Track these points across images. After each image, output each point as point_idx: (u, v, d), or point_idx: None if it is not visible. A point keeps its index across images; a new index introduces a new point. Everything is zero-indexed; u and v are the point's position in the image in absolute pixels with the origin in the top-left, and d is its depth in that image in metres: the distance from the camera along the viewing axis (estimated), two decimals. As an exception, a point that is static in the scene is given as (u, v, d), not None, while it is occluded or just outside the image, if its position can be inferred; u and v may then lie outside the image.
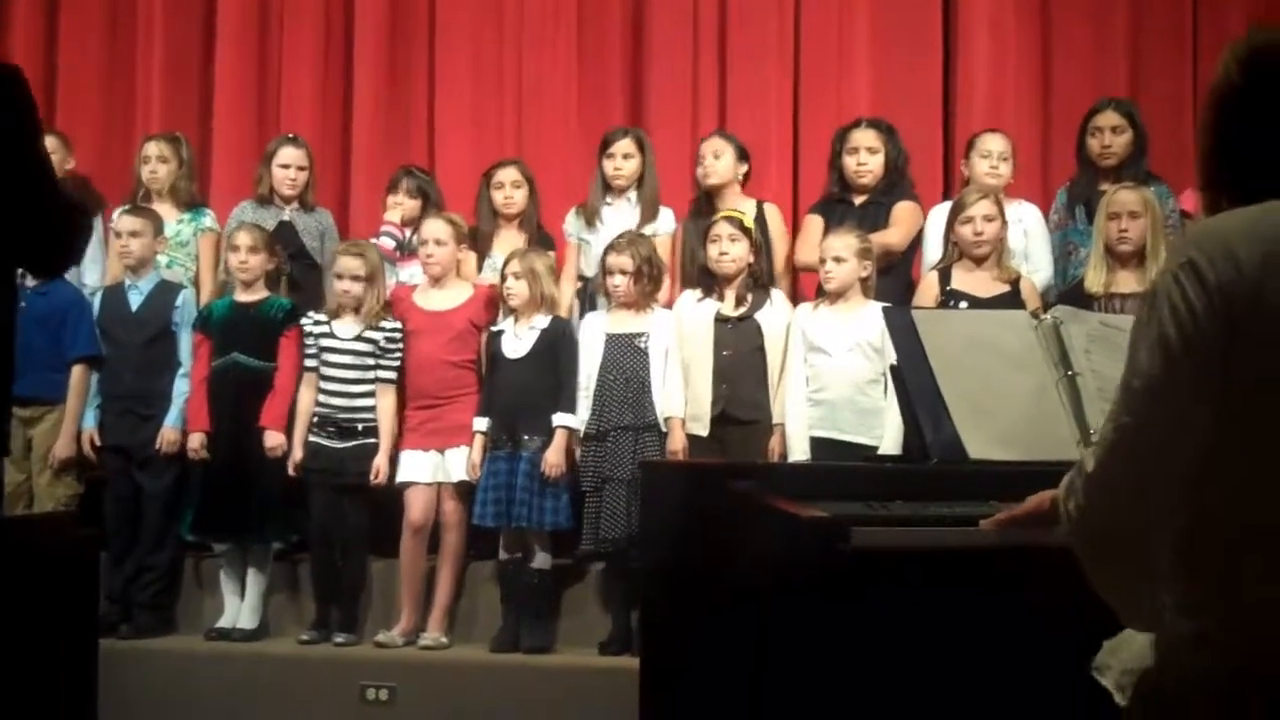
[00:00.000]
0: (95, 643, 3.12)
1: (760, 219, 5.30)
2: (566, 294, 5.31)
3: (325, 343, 5.12)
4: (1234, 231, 1.70)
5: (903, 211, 5.33)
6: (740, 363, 4.94)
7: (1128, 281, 4.77)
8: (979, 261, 4.96)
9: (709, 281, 5.04)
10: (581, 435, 4.94)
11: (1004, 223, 4.99)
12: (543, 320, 4.98)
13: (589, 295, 5.39)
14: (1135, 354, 1.72)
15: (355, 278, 5.10)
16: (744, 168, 5.44)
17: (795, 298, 5.29)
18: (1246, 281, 1.65)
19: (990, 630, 2.62)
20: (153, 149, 5.62)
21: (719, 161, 5.36)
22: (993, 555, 2.52)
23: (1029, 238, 5.23)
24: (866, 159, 5.34)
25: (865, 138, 5.37)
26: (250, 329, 5.19)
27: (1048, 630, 2.58)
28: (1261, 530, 1.68)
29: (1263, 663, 1.66)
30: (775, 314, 4.98)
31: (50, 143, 5.38)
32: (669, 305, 5.14)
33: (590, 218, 5.42)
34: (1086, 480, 1.78)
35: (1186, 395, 1.68)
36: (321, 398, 5.09)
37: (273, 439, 5.04)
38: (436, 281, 5.17)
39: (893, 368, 3.04)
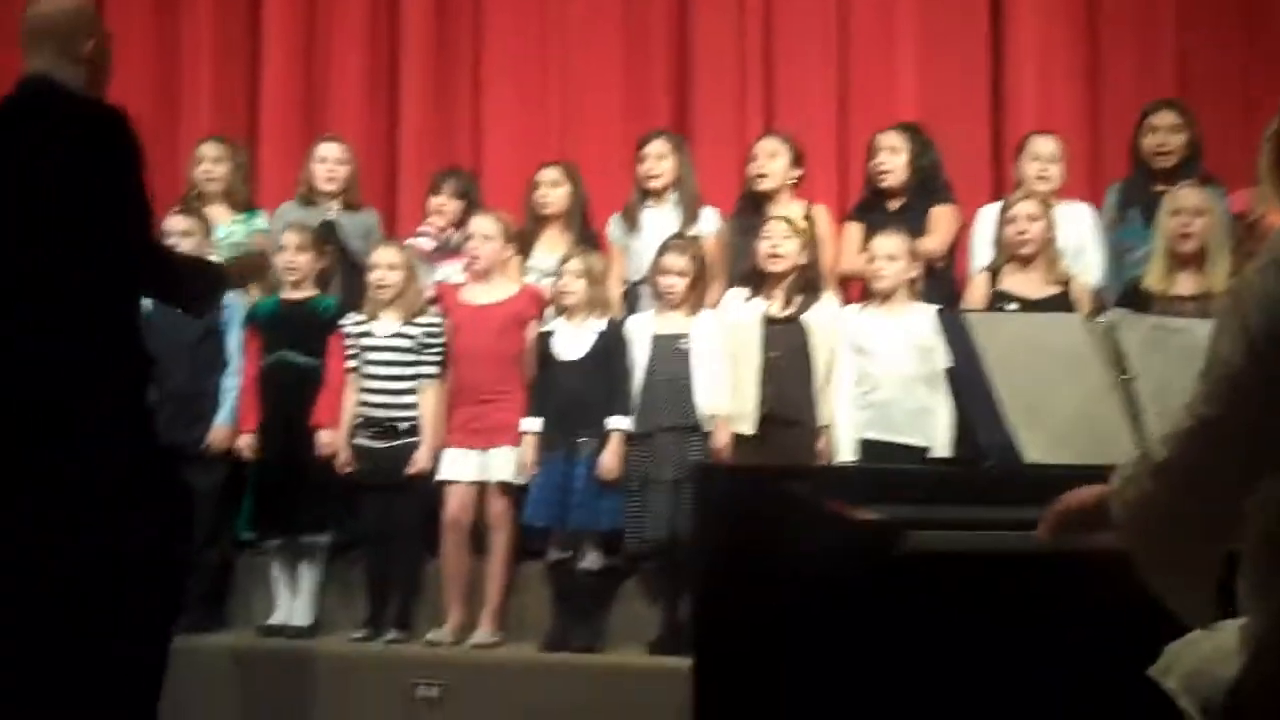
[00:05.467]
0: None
1: (809, 221, 5.30)
2: (615, 297, 5.32)
3: (364, 342, 5.13)
4: None
5: (939, 215, 5.32)
6: (787, 363, 4.93)
7: (1188, 283, 4.69)
8: (1025, 262, 4.95)
9: (757, 281, 5.04)
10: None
11: (1051, 223, 4.98)
12: (599, 323, 4.99)
13: (630, 300, 5.39)
14: (1217, 346, 1.72)
15: (391, 267, 5.11)
16: (798, 172, 5.43)
17: (842, 303, 5.28)
18: None
19: (1047, 635, 2.62)
20: (208, 150, 5.68)
21: (772, 162, 5.36)
22: (1050, 559, 2.53)
23: (1080, 239, 5.21)
24: (885, 159, 5.33)
25: (886, 139, 5.37)
26: (298, 327, 5.21)
27: (1108, 634, 2.58)
28: None
29: None
30: (823, 315, 4.98)
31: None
32: (714, 305, 5.15)
33: (631, 222, 5.43)
34: (1157, 468, 1.77)
35: (1269, 387, 1.67)
36: (364, 397, 5.11)
37: (325, 437, 5.07)
38: (482, 277, 5.19)
39: (948, 371, 3.04)
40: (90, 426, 2.95)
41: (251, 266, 3.56)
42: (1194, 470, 1.74)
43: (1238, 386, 1.68)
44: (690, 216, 5.37)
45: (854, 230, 5.32)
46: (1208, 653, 1.87)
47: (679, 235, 5.16)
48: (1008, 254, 4.97)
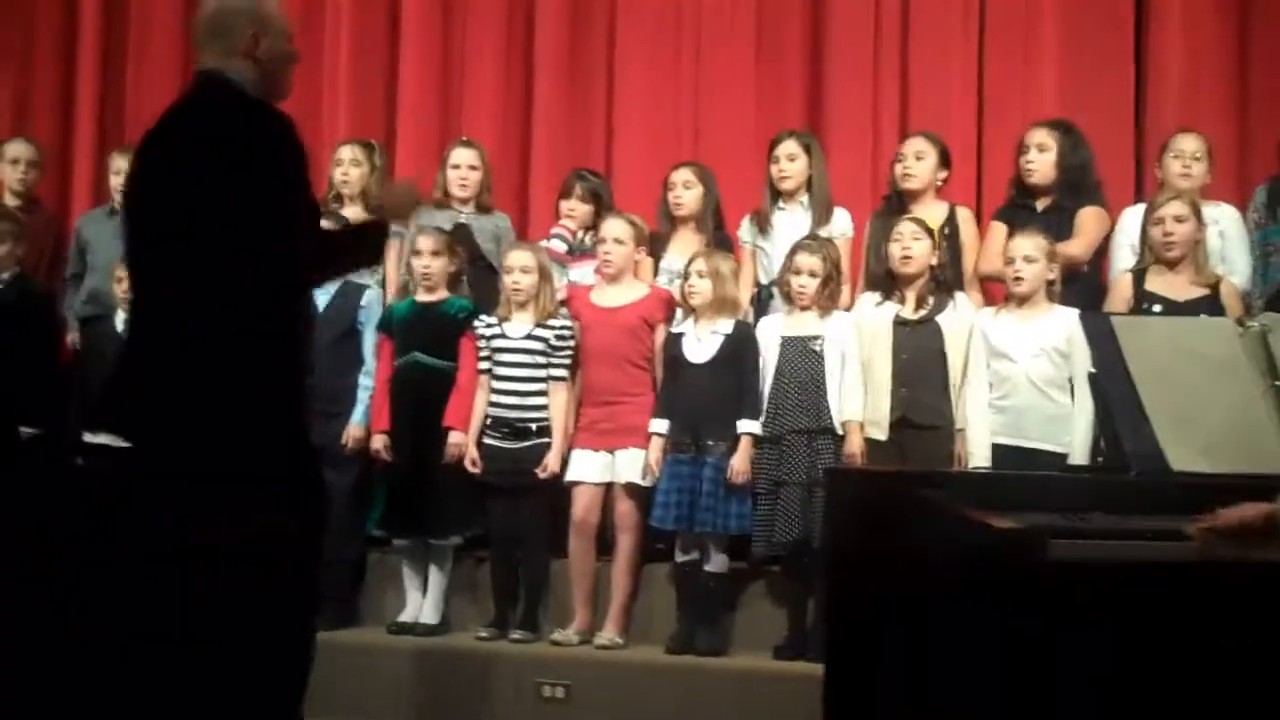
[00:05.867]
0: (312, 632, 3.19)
1: (952, 223, 5.22)
2: (744, 299, 5.28)
3: (497, 344, 5.16)
4: None
5: (1086, 218, 5.18)
6: (920, 366, 4.86)
7: (1342, 286, 4.57)
8: (1172, 264, 4.81)
9: (890, 283, 4.97)
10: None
11: (1199, 224, 4.84)
12: (726, 324, 4.95)
13: (761, 302, 5.36)
14: None
15: (525, 270, 5.13)
16: (944, 173, 5.34)
17: (982, 304, 5.17)
18: None
19: (1193, 650, 2.53)
20: (346, 153, 5.77)
21: (920, 164, 5.28)
22: (1198, 572, 2.44)
23: (1226, 239, 5.06)
24: (1034, 157, 5.22)
25: (1034, 135, 5.25)
26: (431, 329, 5.27)
27: (1257, 653, 2.49)
28: None
29: None
30: (956, 317, 4.89)
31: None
32: (847, 308, 5.09)
33: (762, 224, 5.39)
34: None
35: None
36: (495, 398, 5.14)
37: (456, 439, 5.11)
38: (613, 280, 5.19)
39: (1091, 375, 2.97)
40: (241, 425, 2.97)
41: (403, 199, 3.47)
42: None
43: None
44: (821, 217, 5.31)
45: (998, 230, 5.21)
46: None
47: (811, 236, 5.12)
48: (1154, 256, 4.85)
